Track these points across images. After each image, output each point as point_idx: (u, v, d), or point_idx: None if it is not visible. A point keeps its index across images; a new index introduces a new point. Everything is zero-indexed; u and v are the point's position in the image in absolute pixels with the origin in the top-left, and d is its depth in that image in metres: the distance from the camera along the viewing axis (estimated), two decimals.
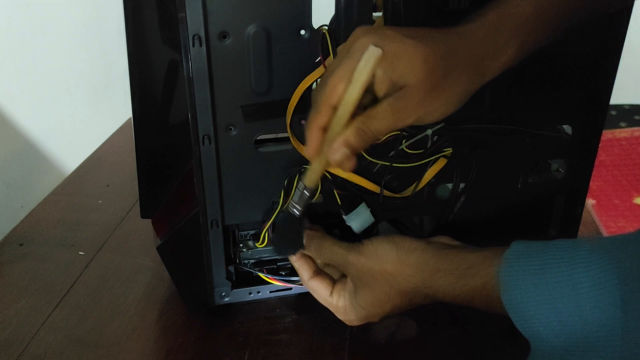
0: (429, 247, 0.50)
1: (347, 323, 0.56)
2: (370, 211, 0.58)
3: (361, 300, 0.53)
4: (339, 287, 0.55)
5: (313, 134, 0.45)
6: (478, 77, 0.46)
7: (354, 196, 0.58)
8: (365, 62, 0.42)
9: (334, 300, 0.55)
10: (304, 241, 0.55)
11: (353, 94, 0.43)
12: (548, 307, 0.41)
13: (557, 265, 0.41)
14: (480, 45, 0.45)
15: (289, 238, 0.55)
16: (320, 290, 0.56)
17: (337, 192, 0.57)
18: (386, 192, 0.58)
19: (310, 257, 0.57)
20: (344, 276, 0.56)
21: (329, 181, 0.56)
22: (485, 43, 0.45)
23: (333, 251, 0.54)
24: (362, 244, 0.52)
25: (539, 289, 0.41)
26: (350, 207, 0.58)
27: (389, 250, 0.51)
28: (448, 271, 0.48)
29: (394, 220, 0.65)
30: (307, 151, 0.47)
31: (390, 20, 0.50)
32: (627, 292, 0.38)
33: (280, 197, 0.56)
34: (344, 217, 0.58)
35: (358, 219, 0.58)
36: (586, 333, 0.39)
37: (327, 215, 0.60)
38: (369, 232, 0.59)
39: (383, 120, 0.43)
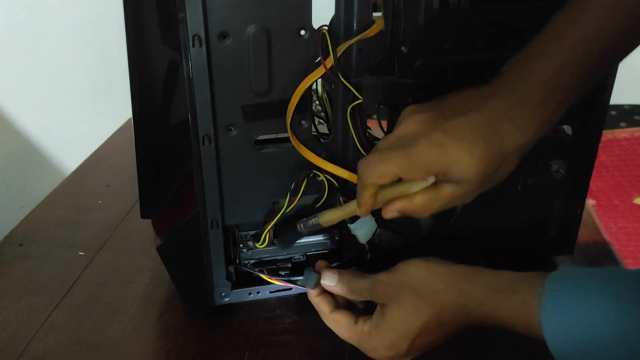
0: (461, 265, 0.49)
1: (368, 353, 0.51)
2: (375, 220, 0.58)
3: (389, 319, 0.49)
4: (365, 317, 0.52)
5: (363, 202, 0.48)
6: (527, 150, 0.46)
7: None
8: (417, 186, 0.45)
9: (359, 326, 0.51)
10: (336, 280, 0.54)
11: (399, 191, 0.46)
12: (591, 334, 0.39)
13: (606, 305, 0.40)
14: (529, 126, 0.44)
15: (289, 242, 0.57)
16: (344, 321, 0.52)
17: (343, 200, 0.57)
18: None
19: (329, 294, 0.54)
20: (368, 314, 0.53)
21: (336, 188, 0.56)
22: (534, 120, 0.44)
23: (363, 276, 0.52)
24: (391, 268, 0.51)
25: (583, 330, 0.40)
26: (355, 216, 0.58)
27: (418, 263, 0.50)
28: (483, 283, 0.47)
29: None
30: (359, 211, 0.49)
31: (391, 21, 0.50)
32: None
33: (283, 199, 0.56)
34: (349, 226, 0.58)
35: (364, 228, 0.58)
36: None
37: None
38: (373, 242, 0.59)
39: (430, 207, 0.46)
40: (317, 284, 0.54)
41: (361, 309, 0.55)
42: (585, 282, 0.41)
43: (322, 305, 0.54)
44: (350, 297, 0.54)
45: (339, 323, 0.53)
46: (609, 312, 0.39)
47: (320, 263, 0.57)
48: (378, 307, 0.51)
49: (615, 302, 0.39)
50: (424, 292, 0.48)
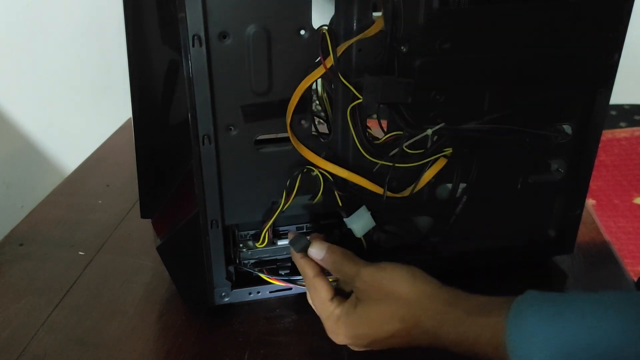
0: (445, 286, 0.49)
1: (330, 336, 0.52)
2: (371, 214, 0.58)
3: (360, 314, 0.50)
4: (342, 297, 0.53)
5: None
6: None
7: (354, 199, 0.58)
8: None
9: (332, 305, 0.52)
10: (323, 255, 0.54)
11: None
12: (556, 347, 0.39)
13: (573, 313, 0.40)
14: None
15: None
16: (322, 291, 0.52)
17: (338, 194, 0.56)
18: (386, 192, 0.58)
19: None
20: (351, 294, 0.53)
21: (330, 182, 0.56)
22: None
23: (351, 261, 0.52)
24: (381, 263, 0.51)
25: (548, 332, 0.40)
26: (350, 210, 0.58)
27: (407, 275, 0.50)
28: (460, 306, 0.47)
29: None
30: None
31: (391, 20, 0.50)
32: None
33: (282, 198, 0.56)
34: (345, 219, 0.58)
35: (359, 222, 0.58)
36: None
37: (327, 215, 0.60)
38: (370, 237, 0.59)
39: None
40: (303, 250, 0.54)
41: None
42: (552, 302, 0.42)
43: (306, 268, 0.54)
44: (334, 274, 0.54)
45: (316, 291, 0.53)
46: (576, 329, 0.39)
47: (316, 235, 0.56)
48: (353, 296, 0.52)
49: (580, 319, 0.39)
50: (402, 308, 0.48)
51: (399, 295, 0.49)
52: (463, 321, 0.46)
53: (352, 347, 0.53)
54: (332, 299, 0.52)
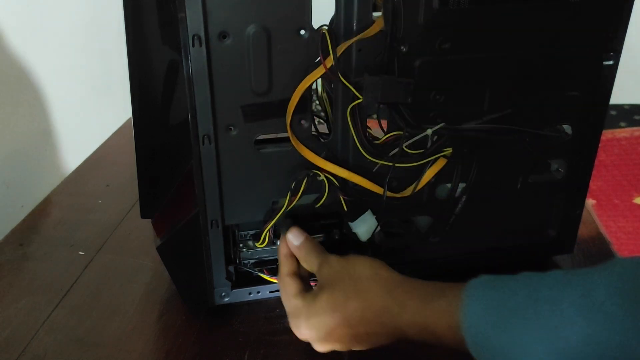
0: (402, 275, 0.51)
1: (293, 329, 0.52)
2: (372, 214, 0.58)
3: (319, 301, 0.50)
4: (306, 292, 0.54)
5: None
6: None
7: (359, 203, 0.58)
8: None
9: (297, 299, 0.52)
10: (299, 242, 0.55)
11: None
12: (510, 339, 0.40)
13: (524, 301, 0.41)
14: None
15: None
16: (290, 288, 0.53)
17: (344, 198, 0.57)
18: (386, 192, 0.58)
19: (295, 260, 0.56)
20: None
21: (336, 187, 0.56)
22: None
23: (321, 251, 0.54)
24: (345, 254, 0.53)
25: (502, 321, 0.41)
26: (355, 214, 0.58)
27: (366, 261, 0.52)
28: (417, 293, 0.48)
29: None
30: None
31: (391, 20, 0.50)
32: (591, 326, 0.37)
33: (283, 198, 0.56)
34: (350, 224, 0.58)
35: (364, 226, 0.58)
36: None
37: (327, 215, 0.60)
38: (372, 239, 0.59)
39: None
40: (284, 233, 0.56)
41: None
42: (504, 280, 0.43)
43: (283, 265, 0.55)
44: (303, 264, 0.55)
45: (286, 287, 0.54)
46: (526, 302, 0.40)
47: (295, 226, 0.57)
48: (316, 287, 0.53)
49: (531, 296, 0.41)
50: (357, 287, 0.49)
51: (355, 279, 0.50)
52: (422, 306, 0.47)
53: (315, 345, 0.52)
54: (297, 294, 0.53)
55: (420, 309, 0.46)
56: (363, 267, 0.51)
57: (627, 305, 0.37)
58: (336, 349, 0.51)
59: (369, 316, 0.48)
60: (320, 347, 0.52)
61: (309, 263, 0.54)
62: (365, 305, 0.48)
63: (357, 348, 0.50)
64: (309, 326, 0.51)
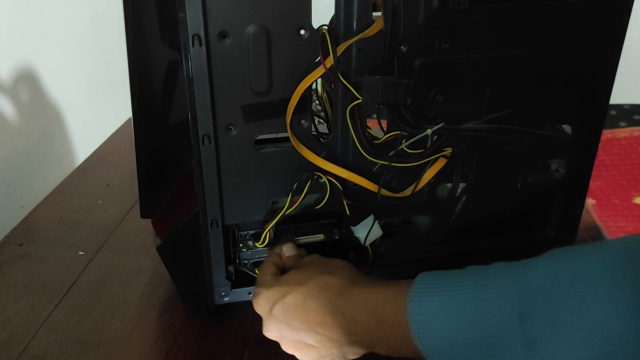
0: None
1: (253, 298, 0.53)
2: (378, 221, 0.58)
3: (289, 275, 0.52)
4: None
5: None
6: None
7: (363, 207, 0.58)
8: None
9: (269, 277, 0.54)
10: (295, 252, 0.58)
11: None
12: (450, 317, 0.41)
13: (465, 282, 0.42)
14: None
15: None
16: (267, 268, 0.55)
17: (347, 203, 0.57)
18: (386, 192, 0.58)
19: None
20: None
21: (339, 191, 0.56)
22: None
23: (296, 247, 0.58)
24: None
25: (444, 303, 0.42)
26: (358, 219, 0.58)
27: (345, 262, 0.54)
28: (378, 282, 0.49)
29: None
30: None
31: (391, 20, 0.50)
32: (525, 303, 0.38)
33: (284, 199, 0.56)
34: (352, 228, 0.59)
35: (366, 230, 0.58)
36: (486, 346, 0.39)
37: (327, 215, 0.60)
38: (375, 243, 0.60)
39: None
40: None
41: None
42: (450, 277, 0.43)
43: (269, 256, 0.57)
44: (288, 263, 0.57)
45: (264, 268, 0.56)
46: (469, 300, 0.41)
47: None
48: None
49: (473, 291, 0.41)
50: (325, 268, 0.51)
51: (330, 261, 0.52)
52: (372, 290, 0.47)
53: (264, 324, 0.52)
54: (272, 273, 0.55)
55: (371, 293, 0.47)
56: (339, 260, 0.53)
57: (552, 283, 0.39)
58: (282, 335, 0.51)
59: (324, 296, 0.48)
60: (268, 326, 0.52)
61: (292, 261, 0.56)
62: (325, 283, 0.49)
63: (300, 337, 0.50)
64: (267, 296, 0.51)
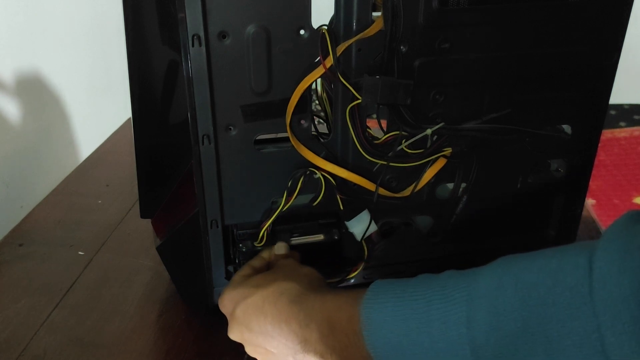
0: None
1: (219, 299, 0.53)
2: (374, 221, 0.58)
3: (255, 276, 0.52)
4: None
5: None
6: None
7: (356, 202, 0.58)
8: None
9: (241, 277, 0.54)
10: (287, 252, 0.58)
11: None
12: (401, 324, 0.41)
13: (415, 289, 0.42)
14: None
15: None
16: (244, 271, 0.55)
17: (340, 197, 0.57)
18: (386, 192, 0.58)
19: (266, 264, 0.57)
20: None
21: (332, 186, 0.56)
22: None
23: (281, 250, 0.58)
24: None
25: (395, 309, 0.42)
26: (352, 213, 0.58)
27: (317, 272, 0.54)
28: (337, 291, 0.49)
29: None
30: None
31: (390, 20, 0.50)
32: (471, 309, 0.39)
33: (282, 198, 0.56)
34: (346, 223, 0.58)
35: (360, 225, 0.58)
36: (433, 352, 0.40)
37: (325, 215, 0.60)
38: (372, 241, 0.60)
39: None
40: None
41: None
42: (404, 284, 0.43)
43: (254, 260, 0.57)
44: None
45: (241, 269, 0.56)
46: (419, 306, 0.41)
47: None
48: None
49: (422, 297, 0.41)
50: (289, 273, 0.52)
51: (298, 268, 0.53)
52: (330, 298, 0.47)
53: (229, 325, 0.52)
54: (245, 275, 0.54)
55: (326, 301, 0.47)
56: (307, 268, 0.53)
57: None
58: (244, 337, 0.50)
59: (281, 302, 0.48)
60: (231, 326, 0.51)
61: (276, 262, 0.56)
62: (284, 289, 0.49)
63: (259, 342, 0.49)
64: (230, 296, 0.51)
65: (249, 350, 0.51)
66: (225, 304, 0.52)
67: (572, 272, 0.36)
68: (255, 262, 0.57)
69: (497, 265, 0.41)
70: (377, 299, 0.43)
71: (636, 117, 2.40)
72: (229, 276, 0.60)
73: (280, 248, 0.58)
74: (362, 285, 0.51)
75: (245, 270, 0.55)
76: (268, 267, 0.57)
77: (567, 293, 0.35)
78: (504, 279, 0.39)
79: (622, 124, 2.34)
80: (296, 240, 0.60)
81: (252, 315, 0.49)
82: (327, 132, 0.58)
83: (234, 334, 0.51)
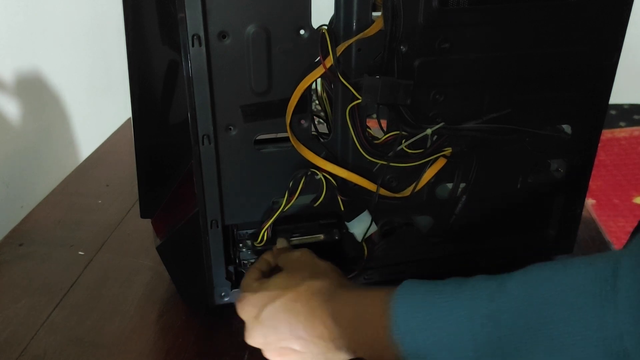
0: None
1: (237, 302, 0.53)
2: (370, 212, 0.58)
3: (278, 277, 0.52)
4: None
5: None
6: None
7: (356, 202, 0.58)
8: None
9: (254, 281, 0.54)
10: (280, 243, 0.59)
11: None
12: (429, 324, 0.41)
13: (444, 289, 0.43)
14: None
15: None
16: (252, 274, 0.55)
17: (341, 198, 0.57)
18: (386, 192, 0.58)
19: (270, 265, 0.58)
20: None
21: (333, 187, 0.56)
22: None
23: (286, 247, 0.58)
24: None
25: (424, 308, 0.42)
26: (352, 214, 0.58)
27: (329, 263, 0.54)
28: (355, 285, 0.50)
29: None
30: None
31: (390, 20, 0.50)
32: (495, 306, 0.39)
33: (282, 198, 0.56)
34: (347, 223, 0.58)
35: (361, 226, 0.58)
36: (458, 350, 0.40)
37: (326, 215, 0.60)
38: (373, 241, 0.59)
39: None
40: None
41: None
42: (431, 286, 0.44)
43: (258, 262, 0.58)
44: (274, 258, 0.58)
45: (249, 273, 0.56)
46: (443, 310, 0.41)
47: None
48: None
49: (451, 298, 0.42)
50: (315, 271, 0.51)
51: (319, 264, 0.53)
52: (354, 292, 0.48)
53: (248, 328, 0.52)
54: (257, 278, 0.55)
55: (359, 296, 0.47)
56: (326, 263, 0.53)
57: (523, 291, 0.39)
58: (267, 341, 0.50)
59: (315, 302, 0.48)
60: (252, 332, 0.51)
61: (281, 257, 0.56)
62: (316, 289, 0.49)
63: (286, 343, 0.49)
64: (253, 301, 0.51)
65: (270, 355, 0.51)
66: (248, 309, 0.51)
67: (595, 280, 0.37)
68: (262, 265, 0.57)
69: (528, 269, 0.41)
70: (407, 297, 0.44)
71: (636, 117, 2.40)
72: (229, 276, 0.60)
73: (281, 243, 0.58)
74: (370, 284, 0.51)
75: (254, 274, 0.55)
76: (274, 268, 0.57)
77: (590, 299, 0.36)
78: (533, 280, 0.39)
79: (622, 124, 2.34)
80: (296, 240, 0.60)
81: (281, 316, 0.49)
82: (327, 132, 0.58)
83: (255, 339, 0.51)
